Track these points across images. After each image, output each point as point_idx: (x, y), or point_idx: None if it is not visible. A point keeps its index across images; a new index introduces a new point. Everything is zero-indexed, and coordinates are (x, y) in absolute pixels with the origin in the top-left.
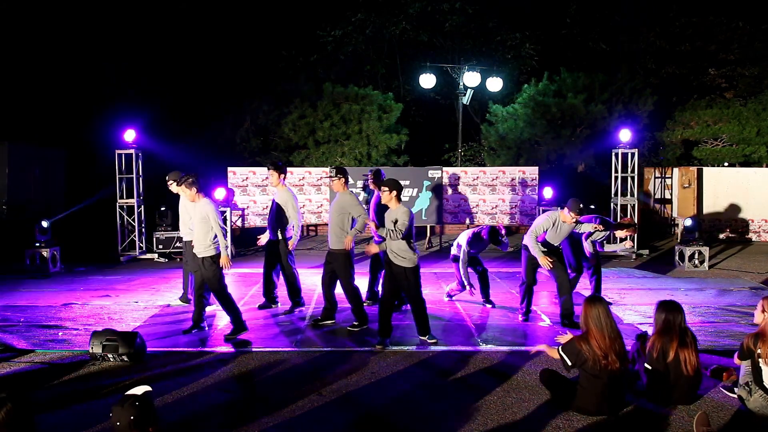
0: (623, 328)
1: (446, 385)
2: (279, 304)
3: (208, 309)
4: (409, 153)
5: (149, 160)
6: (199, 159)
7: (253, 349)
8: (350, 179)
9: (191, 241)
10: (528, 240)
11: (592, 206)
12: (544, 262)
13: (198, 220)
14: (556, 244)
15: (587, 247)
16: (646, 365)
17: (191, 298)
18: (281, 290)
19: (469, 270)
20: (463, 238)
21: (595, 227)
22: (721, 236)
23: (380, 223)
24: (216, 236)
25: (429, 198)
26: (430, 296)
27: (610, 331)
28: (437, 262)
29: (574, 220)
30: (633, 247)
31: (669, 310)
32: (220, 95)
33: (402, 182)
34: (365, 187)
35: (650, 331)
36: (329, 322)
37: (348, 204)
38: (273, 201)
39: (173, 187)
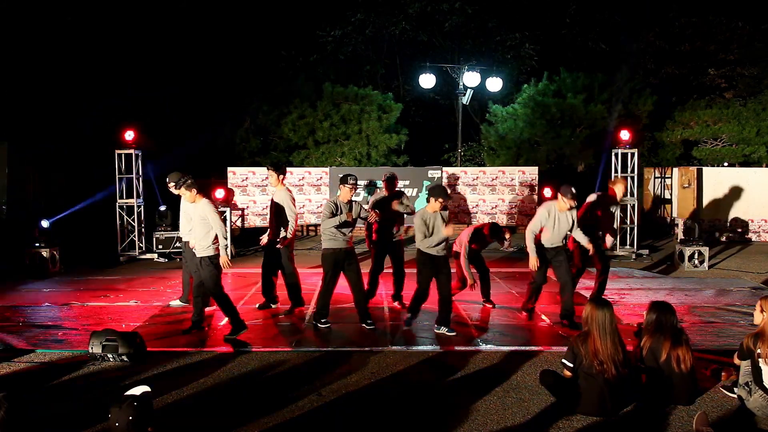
0: (623, 328)
1: (446, 385)
2: (279, 303)
3: (207, 309)
4: (409, 153)
5: (149, 160)
6: (199, 159)
7: (253, 349)
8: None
9: (190, 241)
10: (526, 235)
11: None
12: (532, 263)
13: (198, 221)
14: (560, 241)
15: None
16: (641, 364)
17: (191, 298)
18: (281, 290)
19: (472, 270)
20: (464, 234)
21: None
22: (722, 237)
23: (383, 218)
24: (216, 237)
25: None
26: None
27: (612, 338)
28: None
29: (569, 206)
30: (633, 247)
31: (660, 310)
32: (220, 95)
33: (402, 182)
34: (365, 186)
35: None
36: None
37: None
38: (272, 201)
39: (173, 189)
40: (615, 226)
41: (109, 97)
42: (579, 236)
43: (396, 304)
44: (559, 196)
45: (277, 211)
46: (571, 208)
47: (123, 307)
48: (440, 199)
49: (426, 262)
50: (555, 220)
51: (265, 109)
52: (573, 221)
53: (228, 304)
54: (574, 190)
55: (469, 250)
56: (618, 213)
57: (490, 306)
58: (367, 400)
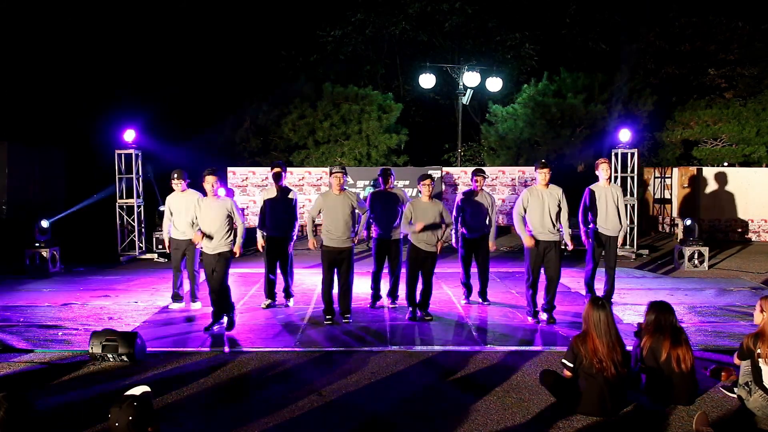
0: (622, 328)
1: (446, 385)
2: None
3: (202, 309)
4: (409, 153)
5: (148, 160)
6: (199, 159)
7: (253, 349)
8: (350, 179)
9: (185, 239)
10: (514, 219)
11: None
12: (527, 242)
13: (221, 217)
14: (552, 227)
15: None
16: (641, 364)
17: (185, 296)
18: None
19: (473, 270)
20: (454, 207)
21: None
22: (722, 237)
23: (379, 215)
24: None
25: None
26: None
27: (609, 338)
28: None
29: (546, 176)
30: (633, 246)
31: (659, 310)
32: (220, 95)
33: (402, 182)
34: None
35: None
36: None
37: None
38: (277, 199)
39: (178, 185)
40: (609, 212)
41: (109, 97)
42: (564, 221)
43: (393, 303)
44: (535, 172)
45: (286, 209)
46: (549, 183)
47: (123, 307)
48: (425, 181)
49: (413, 254)
50: (539, 198)
51: (265, 109)
52: (560, 201)
53: (228, 300)
54: (543, 160)
55: (467, 220)
56: (616, 201)
57: (487, 304)
58: (367, 400)
